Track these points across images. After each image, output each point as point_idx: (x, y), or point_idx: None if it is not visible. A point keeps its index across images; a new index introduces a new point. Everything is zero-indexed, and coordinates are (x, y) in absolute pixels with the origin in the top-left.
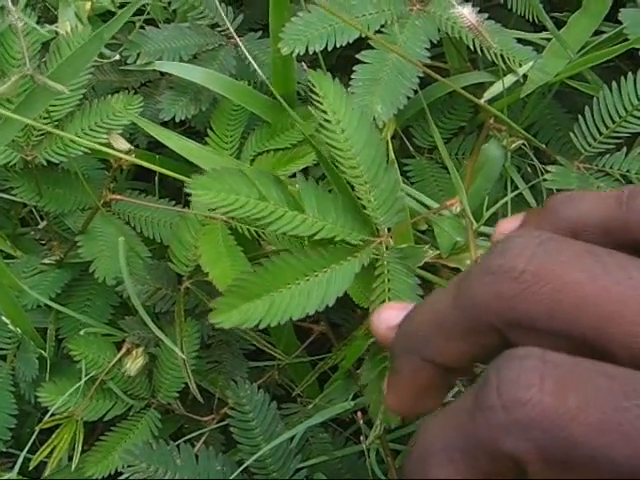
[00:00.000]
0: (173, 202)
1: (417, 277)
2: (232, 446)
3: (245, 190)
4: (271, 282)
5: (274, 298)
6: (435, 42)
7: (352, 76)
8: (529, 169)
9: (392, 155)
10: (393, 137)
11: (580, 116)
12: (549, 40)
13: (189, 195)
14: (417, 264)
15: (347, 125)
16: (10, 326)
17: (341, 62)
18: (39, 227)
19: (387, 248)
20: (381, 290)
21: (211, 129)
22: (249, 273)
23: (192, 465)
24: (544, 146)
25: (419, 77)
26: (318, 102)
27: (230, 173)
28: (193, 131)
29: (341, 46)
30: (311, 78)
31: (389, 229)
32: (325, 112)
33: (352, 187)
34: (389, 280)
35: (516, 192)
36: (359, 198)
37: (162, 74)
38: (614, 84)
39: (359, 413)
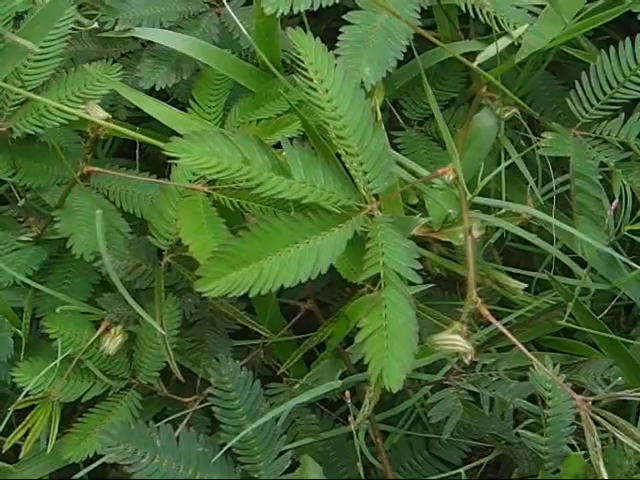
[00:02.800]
0: (155, 176)
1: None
2: (217, 429)
3: (228, 153)
4: (260, 249)
5: (263, 265)
6: (425, 8)
7: (339, 37)
8: (522, 142)
9: (380, 118)
10: (382, 109)
11: (577, 82)
12: (543, 7)
13: (170, 161)
14: (408, 233)
15: (331, 85)
16: None
17: (330, 34)
18: (18, 205)
19: (378, 214)
20: (375, 254)
21: (193, 99)
22: (236, 239)
23: (173, 446)
24: (538, 115)
25: (408, 48)
26: (300, 61)
27: (211, 136)
28: (174, 103)
29: (328, 10)
30: (292, 37)
31: (377, 197)
32: (307, 72)
33: (339, 154)
34: (382, 244)
35: (509, 161)
36: (347, 163)
37: (143, 45)
38: (612, 49)
39: (347, 392)
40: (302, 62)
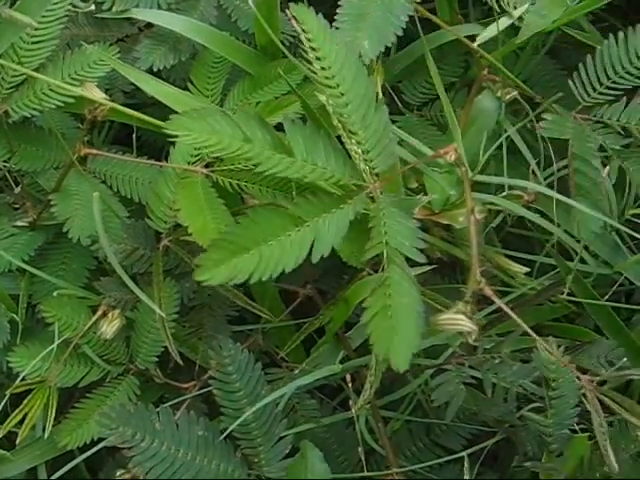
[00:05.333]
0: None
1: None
2: (215, 416)
3: (228, 131)
4: (259, 234)
5: (263, 251)
6: None
7: (337, 11)
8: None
9: (381, 97)
10: (382, 93)
11: (581, 65)
12: None
13: (171, 139)
14: (410, 213)
15: (334, 62)
16: None
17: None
18: (15, 192)
19: (379, 194)
20: (377, 234)
21: (191, 82)
22: (235, 226)
23: (172, 430)
24: (539, 98)
25: (407, 32)
26: (303, 37)
27: (212, 114)
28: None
29: None
30: (295, 13)
31: (378, 177)
32: (309, 48)
33: (339, 135)
34: (385, 224)
35: (506, 134)
36: (347, 143)
37: (140, 29)
38: (620, 34)
39: (348, 376)
40: (305, 38)
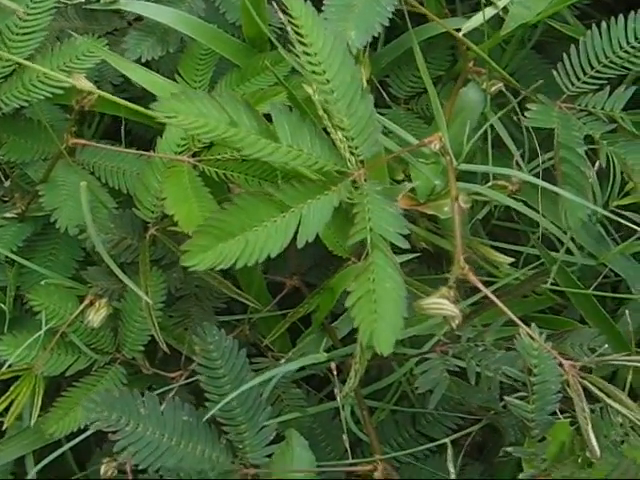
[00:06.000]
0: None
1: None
2: (202, 406)
3: (215, 114)
4: (245, 220)
5: (249, 236)
6: None
7: (324, 2)
8: (508, 120)
9: (365, 84)
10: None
11: (565, 55)
12: None
13: (164, 120)
14: (394, 201)
15: (320, 48)
16: None
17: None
18: (4, 185)
19: (364, 181)
20: (361, 219)
21: (179, 74)
22: (221, 212)
23: (157, 415)
24: (525, 90)
25: (393, 26)
26: (290, 24)
27: (199, 97)
28: None
29: None
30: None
31: (363, 164)
32: (298, 34)
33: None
34: (369, 209)
35: (490, 122)
36: (332, 132)
37: (129, 23)
38: (603, 24)
39: (333, 364)
40: (293, 25)
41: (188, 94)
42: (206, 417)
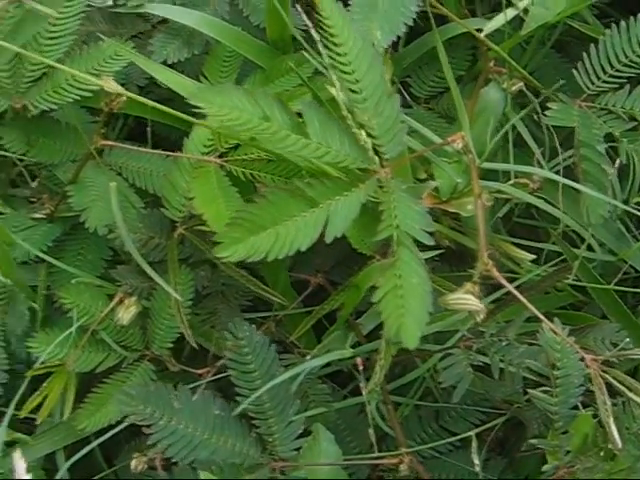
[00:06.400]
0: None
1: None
2: (231, 401)
3: (249, 108)
4: (276, 214)
5: (279, 230)
6: None
7: (349, 2)
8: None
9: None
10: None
11: (585, 54)
12: None
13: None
14: (419, 199)
15: (351, 49)
16: (0, 277)
17: None
18: (32, 186)
19: (390, 179)
20: (387, 217)
21: (204, 76)
22: (252, 205)
23: (190, 409)
24: (545, 89)
25: (414, 26)
26: (322, 23)
27: (234, 89)
28: None
29: None
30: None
31: (387, 162)
32: (329, 35)
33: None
34: (395, 207)
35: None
36: (358, 132)
37: (153, 26)
38: (622, 24)
39: (359, 359)
40: (324, 25)
41: (223, 87)
42: (237, 411)
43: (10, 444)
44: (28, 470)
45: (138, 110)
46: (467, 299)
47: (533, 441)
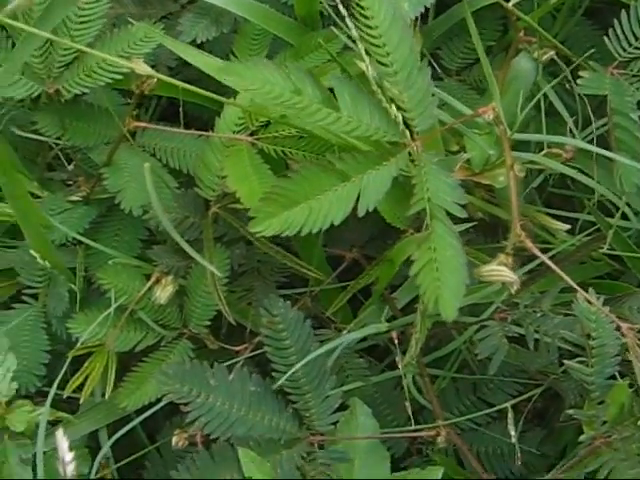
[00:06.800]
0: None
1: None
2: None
3: (280, 82)
4: (308, 189)
5: (312, 204)
6: None
7: None
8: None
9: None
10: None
11: (616, 20)
12: None
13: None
14: (451, 171)
15: (381, 21)
16: (39, 260)
17: None
18: (68, 169)
19: (421, 152)
20: (420, 190)
21: (233, 54)
22: (285, 180)
23: (226, 386)
24: (576, 58)
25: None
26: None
27: (265, 64)
28: None
29: None
30: None
31: (418, 135)
32: (360, 7)
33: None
34: (427, 180)
35: (542, 92)
36: (389, 104)
37: (182, 6)
38: None
39: (394, 333)
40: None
41: (254, 61)
42: (274, 387)
43: (54, 423)
44: (71, 448)
45: (169, 91)
46: (501, 270)
47: (570, 411)
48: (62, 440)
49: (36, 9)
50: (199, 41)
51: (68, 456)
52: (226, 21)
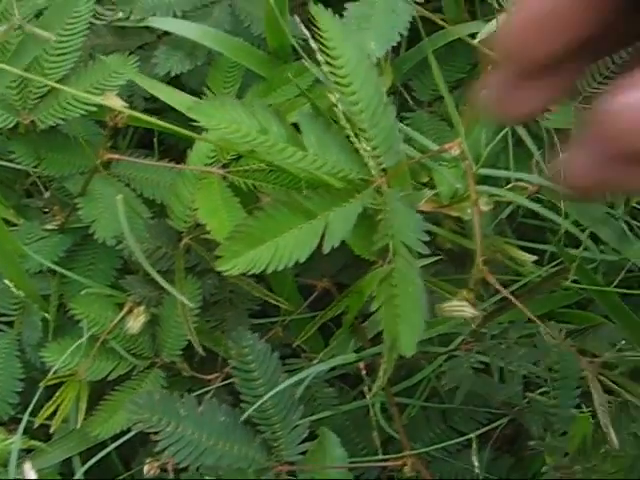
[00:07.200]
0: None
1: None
2: (240, 405)
3: (246, 121)
4: (274, 227)
5: (279, 242)
6: None
7: (344, 14)
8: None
9: (386, 96)
10: (393, 93)
11: None
12: None
13: (197, 123)
14: (415, 207)
15: (347, 62)
16: (13, 289)
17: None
18: (44, 197)
19: (386, 189)
20: (384, 227)
21: (208, 88)
22: (251, 219)
23: (195, 416)
24: None
25: (415, 31)
26: (319, 36)
27: (232, 103)
28: (191, 94)
29: None
30: (312, 11)
31: (385, 172)
32: (326, 47)
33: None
34: (391, 217)
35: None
36: (355, 142)
37: (159, 37)
38: None
39: (361, 364)
40: (321, 38)
41: (222, 101)
42: (242, 418)
43: (28, 451)
44: (41, 477)
45: (143, 122)
46: (462, 306)
47: (532, 443)
48: (29, 472)
49: (9, 47)
50: (173, 74)
51: None
52: (200, 54)
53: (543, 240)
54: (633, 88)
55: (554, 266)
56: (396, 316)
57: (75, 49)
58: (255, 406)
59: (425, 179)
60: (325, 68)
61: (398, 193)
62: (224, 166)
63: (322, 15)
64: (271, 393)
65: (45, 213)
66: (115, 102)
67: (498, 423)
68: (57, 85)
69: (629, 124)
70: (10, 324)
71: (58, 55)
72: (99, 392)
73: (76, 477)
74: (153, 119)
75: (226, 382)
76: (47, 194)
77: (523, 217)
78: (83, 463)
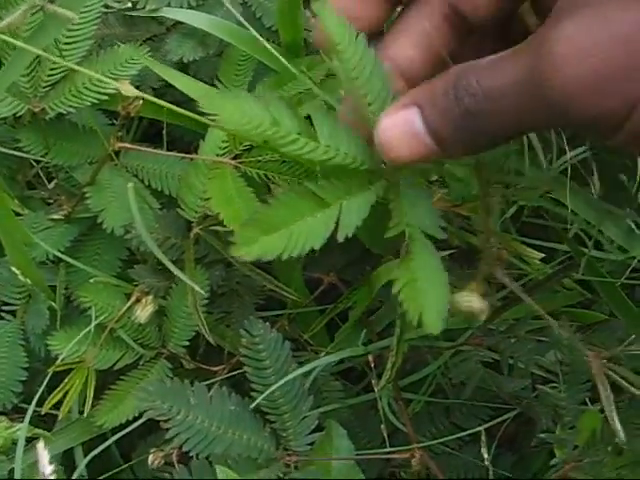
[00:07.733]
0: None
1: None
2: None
3: (258, 113)
4: (288, 215)
5: (292, 230)
6: None
7: None
8: None
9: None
10: None
11: None
12: None
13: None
14: (428, 200)
15: (352, 55)
16: (20, 277)
17: None
18: (49, 187)
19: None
20: (399, 214)
21: (218, 79)
22: (266, 206)
23: (206, 404)
24: None
25: None
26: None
27: (243, 96)
28: None
29: None
30: (314, 7)
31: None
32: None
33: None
34: (405, 206)
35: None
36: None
37: (167, 29)
38: None
39: (370, 357)
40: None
41: (234, 93)
42: (252, 406)
43: (29, 440)
44: (50, 461)
45: (154, 113)
46: (471, 298)
47: (542, 435)
48: (43, 454)
49: (25, 28)
50: (186, 60)
51: (48, 469)
52: (212, 43)
53: (547, 240)
54: (395, 110)
55: (559, 263)
56: (419, 295)
57: (88, 37)
58: (265, 394)
59: (434, 178)
60: (335, 61)
61: (411, 183)
62: (236, 156)
63: (324, 10)
64: (282, 381)
65: (49, 204)
66: (130, 89)
67: (504, 418)
68: (76, 67)
69: (388, 143)
70: (13, 313)
71: (71, 43)
72: (102, 382)
73: (79, 469)
74: (168, 104)
75: (230, 374)
76: (51, 185)
77: (529, 217)
78: (85, 454)
